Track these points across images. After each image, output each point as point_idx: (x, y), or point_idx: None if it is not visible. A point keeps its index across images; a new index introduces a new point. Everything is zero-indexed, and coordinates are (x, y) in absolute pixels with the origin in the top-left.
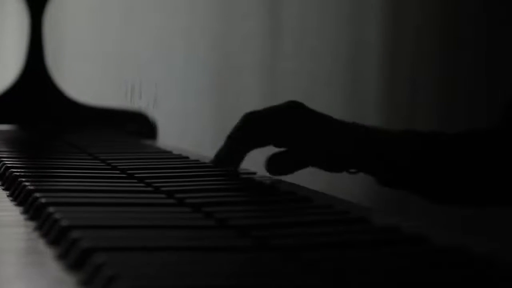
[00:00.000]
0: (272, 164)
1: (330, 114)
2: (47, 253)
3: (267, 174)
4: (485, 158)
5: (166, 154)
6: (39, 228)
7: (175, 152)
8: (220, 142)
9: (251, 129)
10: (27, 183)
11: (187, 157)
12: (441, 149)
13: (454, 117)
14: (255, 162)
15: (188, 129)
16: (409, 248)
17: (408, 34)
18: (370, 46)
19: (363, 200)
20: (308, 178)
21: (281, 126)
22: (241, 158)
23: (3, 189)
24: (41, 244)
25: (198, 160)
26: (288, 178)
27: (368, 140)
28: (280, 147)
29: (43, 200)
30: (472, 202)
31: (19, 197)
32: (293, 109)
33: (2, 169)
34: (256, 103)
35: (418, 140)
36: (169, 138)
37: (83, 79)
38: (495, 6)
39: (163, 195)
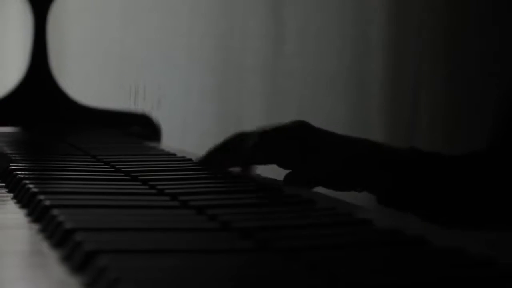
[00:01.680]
0: (287, 182)
1: (333, 116)
2: (51, 255)
3: (269, 176)
4: (487, 180)
5: (170, 156)
6: (43, 230)
7: (178, 154)
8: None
9: (264, 150)
10: (31, 186)
11: (191, 159)
12: (444, 170)
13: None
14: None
15: (190, 130)
16: (411, 250)
17: (412, 33)
18: (373, 46)
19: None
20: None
21: (290, 146)
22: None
23: (7, 192)
24: (44, 246)
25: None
26: None
27: (370, 158)
28: (285, 167)
29: (47, 203)
30: (473, 225)
31: (23, 199)
32: (300, 128)
33: (6, 171)
34: (259, 105)
35: (421, 160)
36: (171, 140)
37: (85, 80)
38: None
39: (166, 198)
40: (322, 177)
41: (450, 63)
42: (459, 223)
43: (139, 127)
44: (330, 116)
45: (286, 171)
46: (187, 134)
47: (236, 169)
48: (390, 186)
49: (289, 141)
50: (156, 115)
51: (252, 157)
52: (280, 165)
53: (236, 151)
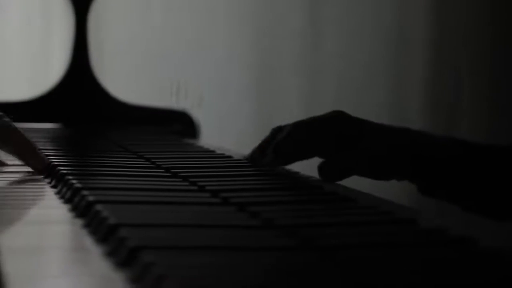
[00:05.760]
0: (321, 171)
1: (372, 114)
2: (95, 251)
3: (310, 174)
4: None
5: (210, 153)
6: (87, 226)
7: (218, 151)
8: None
9: (297, 140)
10: (74, 181)
11: (230, 156)
12: (486, 159)
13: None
14: (305, 164)
15: (228, 128)
16: (454, 251)
17: (455, 27)
18: (414, 45)
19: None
20: (355, 178)
21: (325, 136)
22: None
23: (51, 187)
24: (88, 242)
25: (241, 160)
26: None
27: (411, 147)
28: (325, 157)
29: (90, 198)
30: None
31: (67, 194)
32: (337, 118)
33: (50, 167)
34: (296, 102)
35: (462, 149)
36: (209, 137)
37: (125, 78)
38: None
39: (207, 194)
40: (362, 165)
41: (493, 58)
42: (500, 214)
43: (179, 125)
44: (367, 115)
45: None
46: (224, 132)
47: (270, 159)
48: (430, 176)
49: (325, 128)
50: (196, 113)
51: (286, 145)
52: (317, 154)
53: (272, 143)
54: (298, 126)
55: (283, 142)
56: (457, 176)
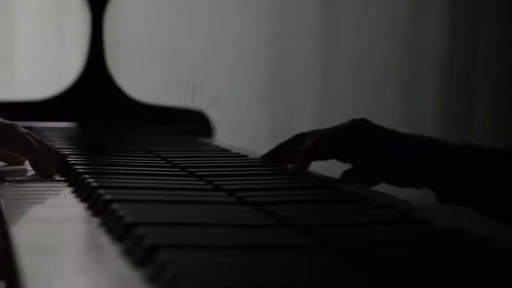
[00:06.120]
0: (345, 179)
1: (386, 113)
2: (112, 250)
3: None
4: None
5: (225, 152)
6: (103, 224)
7: (233, 150)
8: (274, 141)
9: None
10: (90, 180)
11: (246, 156)
12: (501, 165)
13: None
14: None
15: (243, 127)
16: (471, 250)
17: (469, 34)
18: (428, 45)
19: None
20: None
21: (348, 145)
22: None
23: (67, 186)
24: (105, 241)
25: (256, 159)
26: None
27: (433, 155)
28: (345, 162)
29: (107, 197)
30: None
31: (83, 193)
32: (357, 127)
33: (66, 166)
34: (311, 102)
35: (481, 155)
36: (224, 137)
37: (141, 77)
38: None
39: (223, 193)
40: (385, 173)
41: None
42: None
43: (194, 124)
44: (383, 114)
45: (341, 168)
46: (239, 131)
47: (294, 166)
48: (448, 183)
49: (350, 137)
50: (211, 112)
51: (313, 151)
52: (340, 160)
53: (296, 149)
54: (324, 135)
55: (311, 149)
56: (479, 183)
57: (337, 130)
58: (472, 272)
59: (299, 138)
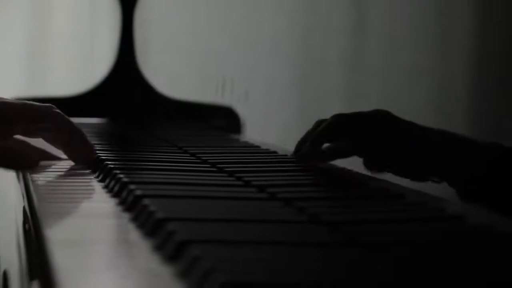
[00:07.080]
0: (366, 164)
1: (415, 112)
2: (143, 245)
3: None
4: None
5: (254, 149)
6: (134, 219)
7: (262, 147)
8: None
9: (336, 129)
10: (121, 175)
11: (275, 152)
12: None
13: None
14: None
15: (272, 124)
16: (502, 247)
17: (498, 31)
18: (459, 42)
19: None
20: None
21: (365, 131)
22: (323, 155)
23: (98, 181)
24: (136, 236)
25: (286, 155)
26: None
27: (452, 150)
28: (361, 151)
29: (138, 192)
30: None
31: (114, 188)
32: (380, 116)
33: (97, 161)
34: (340, 99)
35: (504, 154)
36: (253, 133)
37: (171, 74)
38: None
39: (254, 189)
40: (403, 165)
41: None
42: None
43: (223, 120)
44: (411, 111)
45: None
46: (268, 127)
47: (307, 149)
48: (472, 180)
49: (367, 124)
50: (241, 108)
51: (326, 133)
52: (356, 149)
53: (312, 134)
54: (339, 118)
55: (320, 133)
56: (501, 180)
57: (359, 114)
58: (505, 270)
59: (319, 123)
